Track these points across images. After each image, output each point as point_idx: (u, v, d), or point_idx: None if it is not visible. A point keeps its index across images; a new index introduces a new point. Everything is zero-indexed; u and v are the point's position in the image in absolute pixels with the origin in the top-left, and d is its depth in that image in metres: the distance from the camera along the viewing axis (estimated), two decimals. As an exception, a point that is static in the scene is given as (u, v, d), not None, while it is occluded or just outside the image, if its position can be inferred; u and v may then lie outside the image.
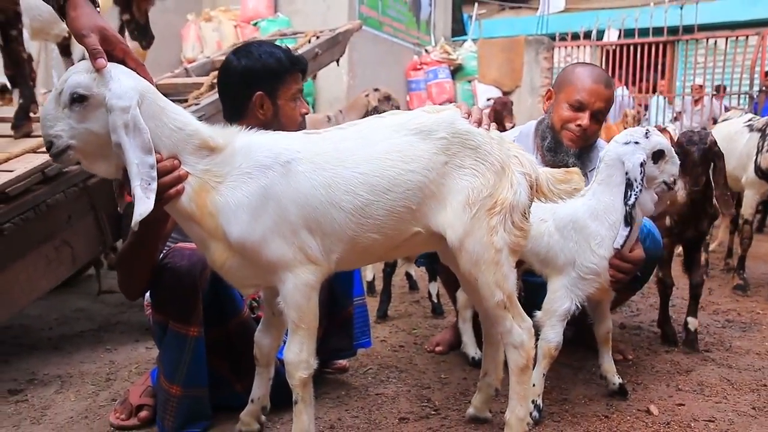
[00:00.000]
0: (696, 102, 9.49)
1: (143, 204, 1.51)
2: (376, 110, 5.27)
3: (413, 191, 1.67)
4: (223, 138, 1.67)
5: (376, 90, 5.25)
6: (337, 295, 2.43)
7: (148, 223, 1.86)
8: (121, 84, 1.54)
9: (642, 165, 2.09)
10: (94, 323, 3.48)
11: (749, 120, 4.22)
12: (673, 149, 2.22)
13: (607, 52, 10.51)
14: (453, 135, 1.71)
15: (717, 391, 2.39)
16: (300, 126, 2.24)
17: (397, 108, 5.06)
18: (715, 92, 9.36)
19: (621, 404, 2.26)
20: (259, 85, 2.22)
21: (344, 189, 1.64)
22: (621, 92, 10.00)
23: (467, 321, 2.74)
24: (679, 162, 2.23)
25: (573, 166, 2.44)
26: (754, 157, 3.92)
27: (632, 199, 2.08)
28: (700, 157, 2.61)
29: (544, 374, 2.15)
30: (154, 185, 1.53)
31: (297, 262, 1.65)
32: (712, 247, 5.60)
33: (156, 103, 1.59)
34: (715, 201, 2.75)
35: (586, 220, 2.15)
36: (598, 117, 2.56)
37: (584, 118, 2.52)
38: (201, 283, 2.00)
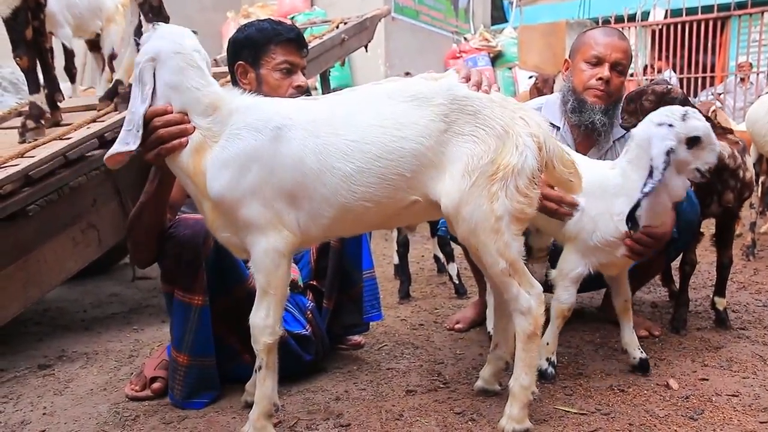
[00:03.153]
0: (743, 81, 9.06)
1: (122, 145, 1.64)
2: None
3: (407, 159, 1.63)
4: (226, 99, 1.71)
5: (407, 74, 5.20)
6: (348, 271, 2.43)
7: (153, 188, 1.92)
8: (148, 44, 1.70)
9: (668, 153, 1.95)
10: (125, 306, 3.57)
11: (794, 90, 4.00)
12: (713, 136, 2.07)
13: (654, 33, 10.15)
14: (451, 101, 1.66)
15: (746, 367, 2.27)
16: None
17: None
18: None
19: (640, 379, 2.17)
20: (241, 55, 2.28)
21: (336, 156, 1.62)
22: (668, 75, 9.69)
23: (492, 293, 2.69)
24: (718, 149, 2.08)
25: (600, 124, 2.49)
26: (800, 129, 3.71)
27: (648, 188, 1.95)
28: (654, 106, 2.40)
29: (557, 332, 2.17)
30: (141, 133, 1.65)
31: (270, 227, 1.66)
32: (763, 228, 5.36)
33: (180, 61, 1.69)
34: (745, 174, 2.57)
35: (612, 194, 2.08)
36: (618, 69, 2.49)
37: (604, 70, 2.47)
38: (204, 251, 2.03)
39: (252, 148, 1.63)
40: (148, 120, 1.66)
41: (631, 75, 10.61)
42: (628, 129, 2.48)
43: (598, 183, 2.09)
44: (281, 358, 2.12)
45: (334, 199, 1.65)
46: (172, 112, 1.68)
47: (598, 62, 2.48)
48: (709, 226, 2.91)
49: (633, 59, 10.58)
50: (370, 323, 2.60)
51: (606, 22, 9.99)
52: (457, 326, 2.82)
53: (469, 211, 1.64)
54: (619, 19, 9.90)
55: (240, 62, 2.30)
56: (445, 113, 1.65)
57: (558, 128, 2.61)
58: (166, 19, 3.70)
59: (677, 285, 3.19)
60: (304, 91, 2.30)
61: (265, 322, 1.73)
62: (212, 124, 1.67)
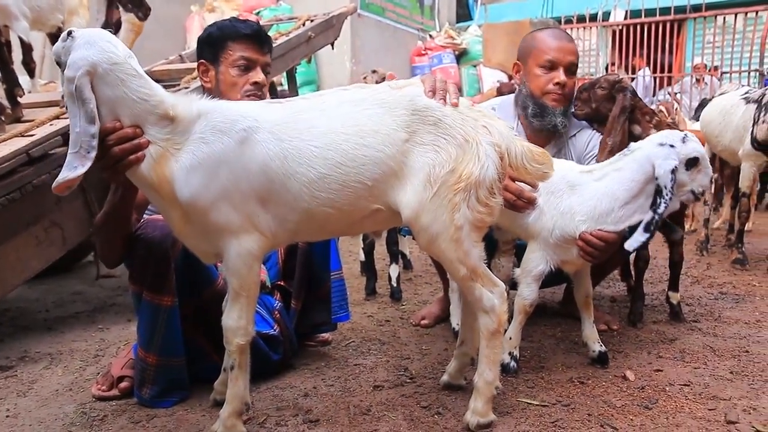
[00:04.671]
0: (698, 81, 9.33)
1: (70, 170, 1.53)
2: None
3: (368, 167, 1.65)
4: (184, 106, 1.67)
5: (374, 72, 5.25)
6: (316, 270, 2.46)
7: (118, 192, 1.91)
8: (75, 54, 1.57)
9: (673, 172, 2.02)
10: (89, 305, 3.54)
11: (745, 93, 4.15)
12: (707, 159, 2.16)
13: (615, 32, 10.37)
14: (413, 112, 1.68)
15: (698, 358, 2.38)
16: (256, 96, 2.25)
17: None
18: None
19: (599, 371, 2.26)
20: (202, 54, 2.32)
21: (299, 161, 1.63)
22: (643, 73, 9.91)
23: (456, 291, 2.74)
24: (711, 173, 2.17)
25: (562, 126, 2.57)
26: (751, 129, 3.85)
27: (662, 207, 2.01)
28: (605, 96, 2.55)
29: (520, 327, 2.24)
30: (93, 154, 1.55)
31: (242, 230, 1.66)
32: (716, 224, 5.56)
33: (118, 73, 1.59)
34: None
35: (582, 195, 2.14)
36: (572, 71, 2.58)
37: (560, 74, 2.54)
38: (173, 253, 2.03)
39: (220, 151, 1.62)
40: (99, 139, 1.57)
41: (593, 74, 10.85)
42: (579, 117, 2.59)
43: (565, 182, 2.16)
44: (251, 358, 2.16)
45: (297, 204, 1.66)
46: (122, 128, 1.60)
47: (552, 66, 2.55)
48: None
49: (595, 58, 10.82)
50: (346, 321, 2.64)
51: (568, 21, 10.18)
52: (423, 322, 2.87)
53: (429, 221, 1.66)
54: (581, 19, 10.09)
55: (201, 61, 2.32)
56: (407, 123, 1.67)
57: (511, 128, 2.66)
58: (147, 10, 3.66)
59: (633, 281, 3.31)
60: (263, 87, 2.31)
61: (237, 323, 1.75)
62: (172, 134, 1.64)
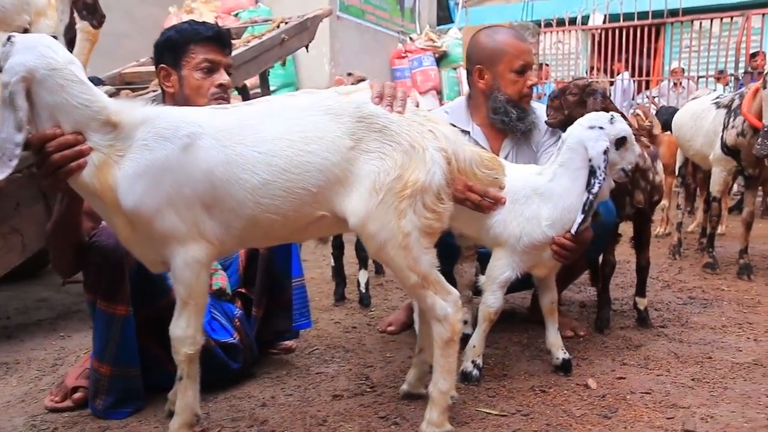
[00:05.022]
0: (676, 85, 9.41)
1: None
2: None
3: (312, 173, 1.62)
4: (127, 112, 1.63)
5: (349, 74, 5.20)
6: (277, 277, 2.41)
7: (64, 200, 1.86)
8: (13, 59, 1.53)
9: (605, 152, 2.07)
10: (53, 312, 3.46)
11: (717, 97, 4.17)
12: (633, 136, 2.22)
13: (595, 36, 10.43)
14: (358, 119, 1.65)
15: (661, 365, 2.36)
16: (218, 97, 2.21)
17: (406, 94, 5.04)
18: (718, 75, 9.16)
19: (561, 379, 2.23)
20: (163, 58, 2.27)
21: (243, 167, 1.60)
22: (625, 76, 9.97)
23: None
24: (638, 150, 2.25)
25: (537, 123, 2.63)
26: (721, 134, 3.87)
27: (596, 188, 2.06)
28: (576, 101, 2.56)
29: (484, 335, 2.21)
30: (14, 163, 1.51)
31: (189, 238, 1.63)
32: (690, 227, 5.59)
33: (57, 79, 1.55)
34: (654, 177, 2.68)
35: (542, 199, 2.13)
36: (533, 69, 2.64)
37: (532, 76, 2.60)
38: (128, 261, 1.98)
39: (163, 158, 1.59)
40: (39, 146, 1.55)
41: (572, 77, 10.90)
42: (553, 125, 2.58)
43: (526, 189, 2.15)
44: (207, 367, 2.12)
45: (241, 210, 1.63)
46: (62, 135, 1.56)
47: (523, 70, 2.58)
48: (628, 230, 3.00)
49: (575, 62, 10.87)
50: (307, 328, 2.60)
51: (548, 24, 10.22)
52: (389, 329, 2.84)
53: (376, 228, 1.64)
54: (561, 23, 10.13)
55: (162, 65, 2.28)
56: (352, 130, 1.64)
57: (467, 132, 2.66)
58: (101, 17, 3.61)
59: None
60: (228, 89, 2.28)
61: (185, 332, 1.72)
62: (114, 140, 1.60)
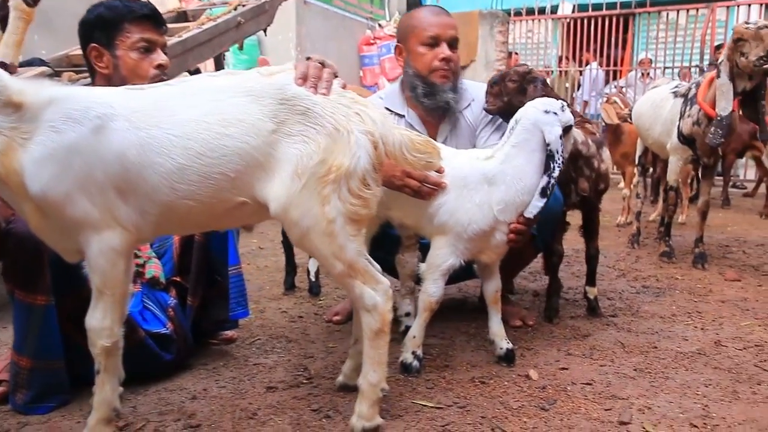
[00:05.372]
0: (644, 76, 9.46)
1: None
2: None
3: (230, 158, 1.53)
4: (32, 92, 1.53)
5: (308, 59, 5.09)
6: (214, 265, 2.34)
7: None
8: None
9: (561, 138, 2.08)
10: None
11: (675, 86, 4.16)
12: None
13: (565, 25, 10.42)
14: (281, 101, 1.57)
15: (606, 355, 2.33)
16: (162, 79, 2.11)
17: (334, 74, 4.93)
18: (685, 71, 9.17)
19: (503, 370, 2.19)
20: (93, 37, 2.15)
21: (157, 151, 1.51)
22: (594, 66, 9.99)
23: None
24: (579, 139, 2.30)
25: (454, 102, 2.51)
26: (677, 123, 3.86)
27: (556, 172, 2.07)
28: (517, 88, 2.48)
29: (424, 325, 2.16)
30: None
31: (103, 224, 1.54)
32: (652, 216, 5.60)
33: None
34: (600, 165, 2.63)
35: (493, 183, 2.09)
36: (454, 45, 2.52)
37: (444, 49, 2.48)
38: (47, 248, 1.88)
39: (72, 140, 1.48)
40: None
41: (547, 68, 10.90)
42: (492, 112, 2.52)
43: (473, 175, 2.09)
44: (138, 359, 2.05)
45: (155, 196, 1.54)
46: None
47: (435, 43, 2.48)
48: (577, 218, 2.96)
49: (545, 51, 10.88)
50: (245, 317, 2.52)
51: (518, 13, 10.18)
52: (336, 318, 2.77)
53: (299, 215, 1.56)
54: (530, 11, 10.10)
55: (93, 45, 2.16)
56: (274, 113, 1.56)
57: (402, 116, 2.59)
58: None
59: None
60: (166, 69, 2.19)
61: (101, 324, 1.63)
62: (18, 122, 1.49)
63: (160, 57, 2.17)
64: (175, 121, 1.53)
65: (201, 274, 2.31)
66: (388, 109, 2.59)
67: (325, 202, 1.55)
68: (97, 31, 2.15)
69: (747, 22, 3.36)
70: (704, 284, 3.45)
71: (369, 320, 1.67)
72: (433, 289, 2.13)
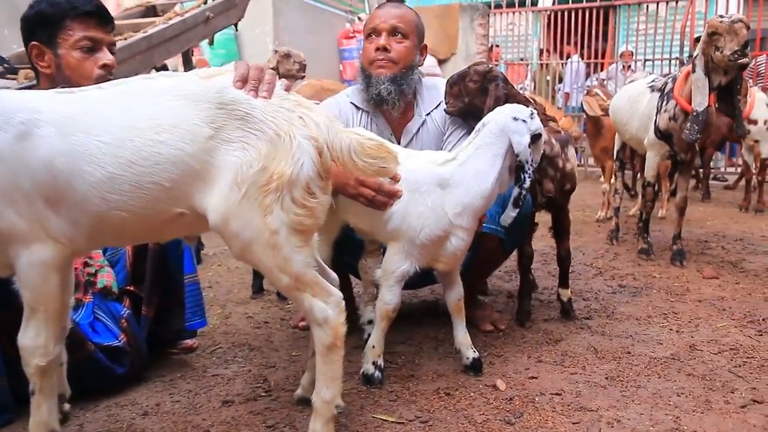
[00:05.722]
0: (626, 68, 9.42)
1: None
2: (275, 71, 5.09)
3: (165, 166, 1.43)
4: None
5: (275, 51, 4.98)
6: (170, 273, 2.24)
7: None
8: None
9: (529, 146, 2.00)
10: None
11: (652, 81, 4.09)
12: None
13: (547, 18, 10.36)
14: (218, 106, 1.46)
15: (577, 362, 2.26)
16: (101, 79, 2.00)
17: (301, 65, 4.83)
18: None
19: (470, 380, 2.10)
20: (34, 34, 2.04)
21: (86, 159, 1.41)
22: (576, 59, 9.94)
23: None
24: (542, 150, 2.17)
25: (387, 93, 2.38)
26: (654, 118, 3.79)
27: (527, 182, 1.99)
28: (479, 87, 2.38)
29: (383, 335, 2.09)
30: None
31: (32, 237, 1.44)
32: (632, 211, 5.56)
33: None
34: (565, 164, 2.55)
35: (450, 185, 2.00)
36: (396, 33, 2.40)
37: (380, 39, 2.38)
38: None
39: None
40: None
41: (521, 59, 10.85)
42: (453, 113, 2.43)
43: (427, 178, 2.00)
44: (88, 373, 1.95)
45: (87, 207, 1.44)
46: None
47: (375, 34, 2.41)
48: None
49: (525, 43, 10.83)
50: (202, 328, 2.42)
51: (498, 6, 10.10)
52: (302, 324, 2.67)
53: (239, 227, 1.46)
54: (511, 4, 10.03)
55: (34, 43, 2.05)
56: (212, 118, 1.45)
57: (368, 112, 2.49)
58: None
59: (533, 274, 3.20)
60: (112, 69, 2.08)
61: (35, 342, 1.53)
62: None
63: (105, 56, 2.07)
64: (105, 127, 1.42)
65: (156, 282, 2.21)
66: (354, 105, 2.50)
67: (267, 213, 1.45)
68: (38, 28, 2.04)
69: (721, 16, 3.29)
70: (682, 282, 3.40)
71: (320, 334, 1.58)
72: (388, 297, 2.04)
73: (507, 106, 2.11)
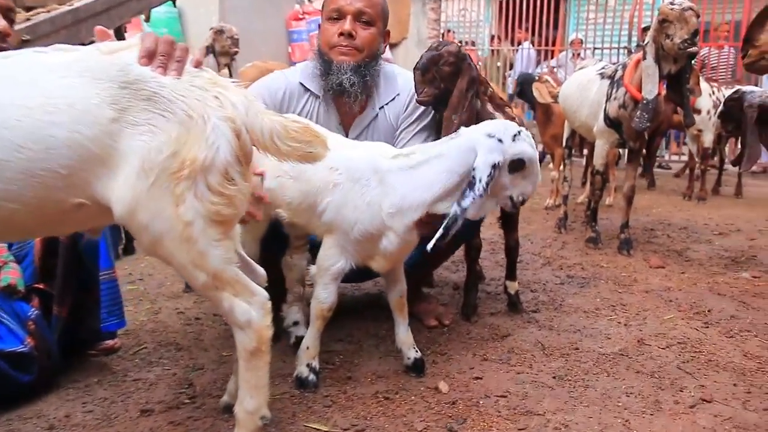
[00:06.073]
0: (575, 56, 9.46)
1: None
2: (210, 50, 4.89)
3: (60, 151, 1.24)
4: None
5: (211, 29, 4.77)
6: (85, 268, 2.04)
7: None
8: None
9: (494, 167, 1.68)
10: None
11: (602, 68, 4.03)
12: (537, 167, 1.79)
13: (499, 4, 10.31)
14: (122, 85, 1.28)
15: (524, 359, 2.16)
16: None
17: (233, 40, 4.61)
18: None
19: (411, 382, 1.98)
20: None
21: None
22: (527, 45, 9.92)
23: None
24: (538, 181, 1.81)
25: (350, 84, 2.18)
26: (604, 106, 3.73)
27: (467, 202, 1.67)
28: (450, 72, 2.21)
29: (318, 335, 1.93)
30: None
31: None
32: (580, 199, 5.54)
33: None
34: None
35: (389, 184, 1.80)
36: (364, 20, 2.23)
37: (346, 23, 2.20)
38: None
39: None
40: None
41: (473, 43, 10.79)
42: (426, 103, 2.26)
43: (368, 170, 1.83)
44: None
45: None
46: None
47: (339, 16, 2.22)
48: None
49: (476, 29, 10.79)
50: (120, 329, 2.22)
51: (451, -10, 9.99)
52: None
53: (148, 218, 1.30)
54: (463, -11, 9.93)
55: None
56: (115, 98, 1.27)
57: (318, 97, 2.31)
58: None
59: (480, 265, 3.10)
60: (6, 36, 1.86)
61: None
62: None
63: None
64: None
65: (69, 279, 2.01)
66: (303, 85, 2.30)
67: (179, 202, 1.28)
68: None
69: (672, 2, 3.23)
70: (629, 272, 3.36)
71: (243, 338, 1.43)
72: (323, 295, 1.88)
73: (493, 122, 1.85)
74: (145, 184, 1.26)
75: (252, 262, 1.68)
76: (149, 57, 1.30)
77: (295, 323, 2.18)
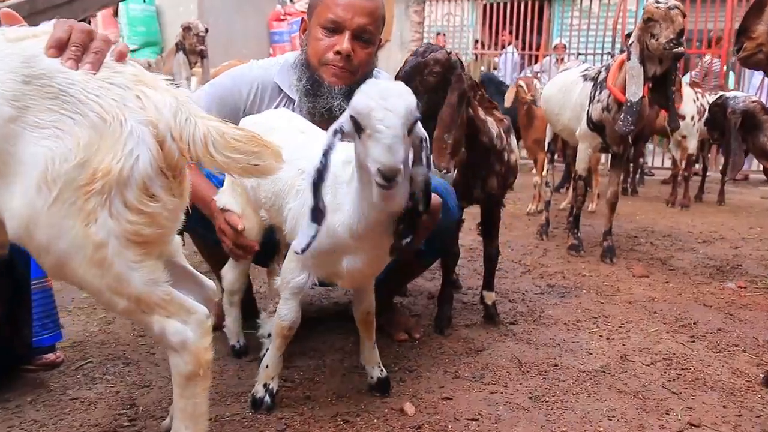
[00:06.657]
0: (559, 61, 9.39)
1: None
2: (179, 47, 4.75)
3: None
4: None
5: (181, 26, 4.63)
6: (19, 276, 1.85)
7: None
8: None
9: (335, 133, 1.44)
10: None
11: (585, 69, 3.91)
12: (385, 123, 1.36)
13: (485, 8, 10.24)
14: (25, 79, 1.11)
15: (499, 377, 2.01)
16: None
17: (198, 37, 4.46)
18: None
19: (375, 402, 1.81)
20: None
21: None
22: (511, 49, 9.85)
23: (234, 304, 2.17)
24: (387, 146, 1.34)
25: (340, 111, 1.92)
26: (587, 109, 3.60)
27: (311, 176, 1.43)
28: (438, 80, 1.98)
29: (279, 354, 1.75)
30: None
31: None
32: (562, 205, 5.42)
33: None
34: (510, 156, 2.30)
35: (344, 189, 1.55)
36: (364, 38, 1.97)
37: (344, 41, 1.93)
38: None
39: None
40: None
41: (463, 51, 10.69)
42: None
43: (331, 177, 1.61)
44: None
45: None
46: None
47: (336, 28, 1.95)
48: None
49: (461, 33, 10.70)
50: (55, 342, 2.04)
51: (434, -7, 9.89)
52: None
53: (50, 238, 1.12)
54: (447, -8, 9.84)
55: None
56: (15, 94, 1.10)
57: (293, 101, 2.10)
58: None
59: (457, 273, 2.96)
60: None
61: None
62: None
63: None
64: None
65: (4, 289, 1.83)
66: (279, 86, 2.09)
67: (89, 220, 1.11)
68: None
69: (658, 1, 3.11)
70: (612, 281, 3.23)
71: (177, 362, 1.25)
72: (284, 312, 1.69)
73: None
74: (46, 198, 1.08)
75: (198, 274, 1.51)
76: (59, 48, 1.13)
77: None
